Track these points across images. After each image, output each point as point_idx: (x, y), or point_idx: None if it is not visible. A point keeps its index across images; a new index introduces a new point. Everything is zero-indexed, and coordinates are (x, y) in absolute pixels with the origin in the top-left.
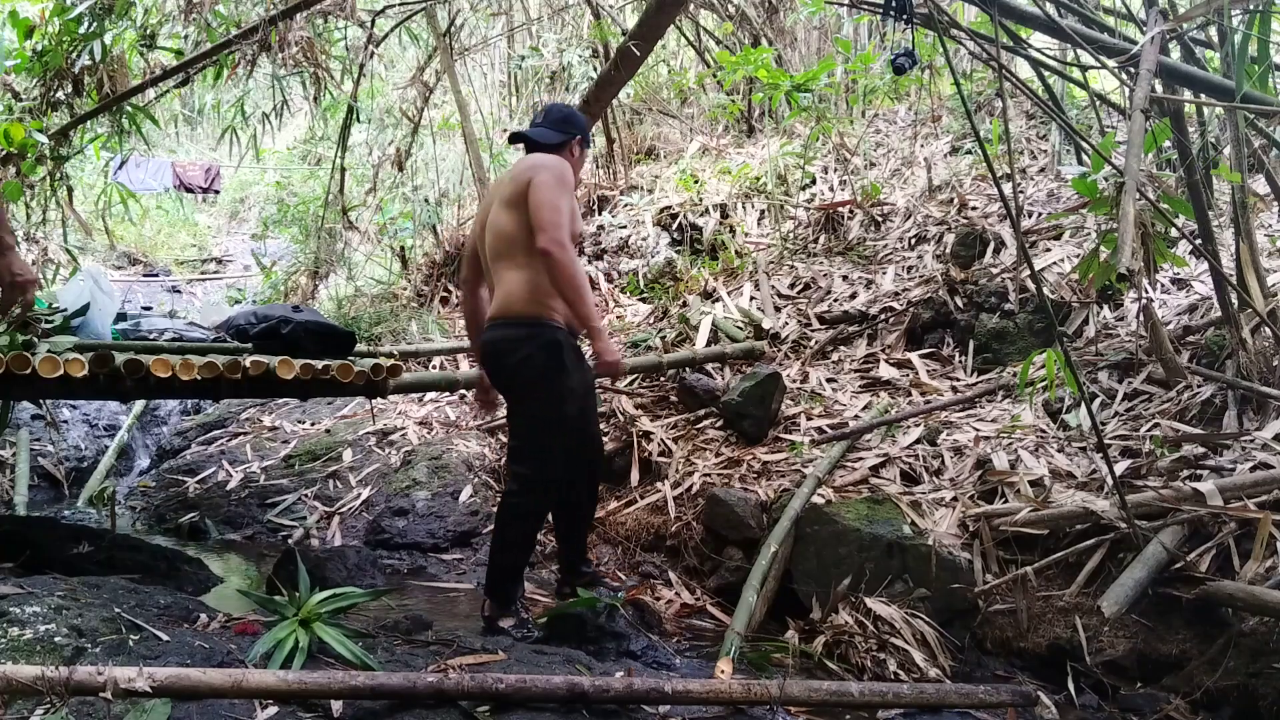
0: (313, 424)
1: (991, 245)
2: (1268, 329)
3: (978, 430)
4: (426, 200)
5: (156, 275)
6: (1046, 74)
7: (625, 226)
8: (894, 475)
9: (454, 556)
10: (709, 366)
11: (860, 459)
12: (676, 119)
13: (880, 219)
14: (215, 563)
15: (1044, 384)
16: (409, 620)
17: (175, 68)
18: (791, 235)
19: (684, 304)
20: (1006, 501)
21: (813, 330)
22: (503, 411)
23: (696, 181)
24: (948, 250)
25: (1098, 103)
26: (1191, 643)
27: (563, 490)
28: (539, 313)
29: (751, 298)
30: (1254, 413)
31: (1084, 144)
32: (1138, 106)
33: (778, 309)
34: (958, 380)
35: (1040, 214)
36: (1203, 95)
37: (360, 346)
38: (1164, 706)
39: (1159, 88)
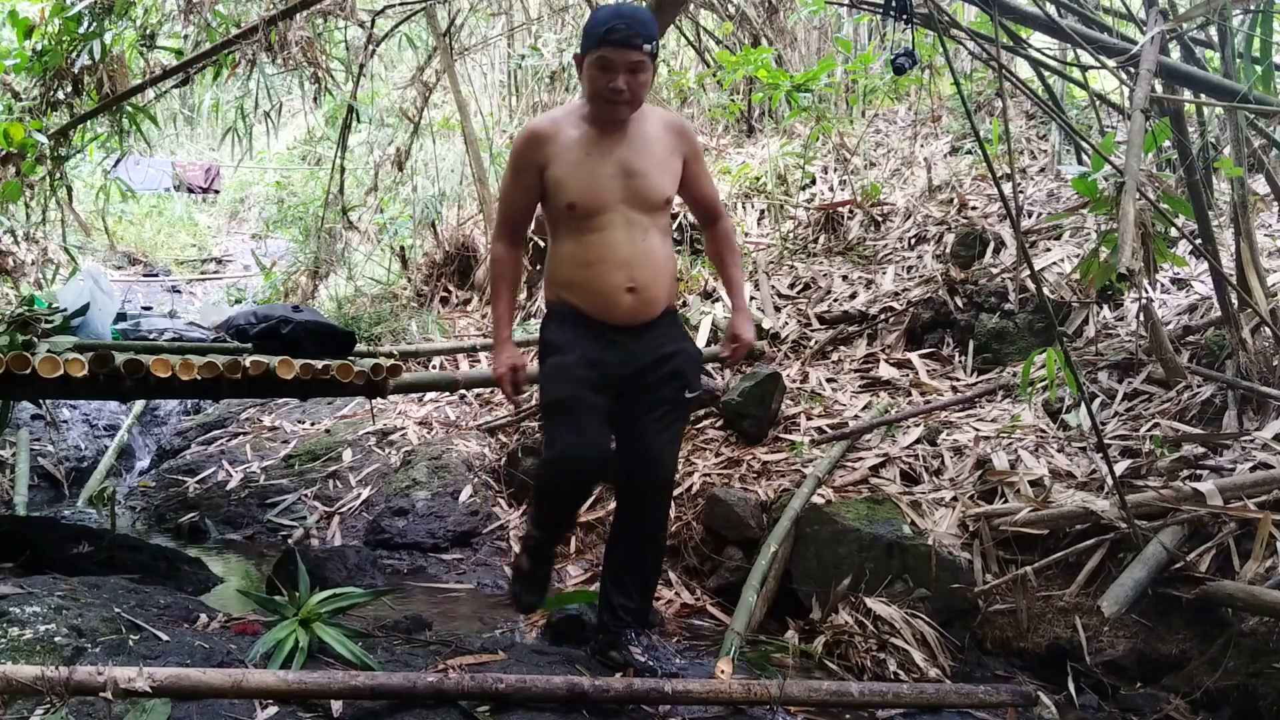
0: (313, 424)
1: (991, 245)
2: (1268, 329)
3: (978, 430)
4: (426, 203)
5: (156, 275)
6: (1046, 74)
7: None
8: (894, 475)
9: (454, 556)
10: (709, 366)
11: (860, 459)
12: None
13: (880, 219)
14: (215, 563)
15: (1044, 384)
16: (409, 620)
17: (175, 68)
18: (791, 235)
19: (684, 304)
20: (1006, 501)
21: (813, 330)
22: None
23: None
24: (948, 250)
25: (1098, 103)
26: (1191, 643)
27: (574, 480)
28: (546, 295)
29: (751, 298)
30: (1254, 413)
31: (1084, 144)
32: (1138, 106)
33: (778, 309)
34: (958, 380)
35: (1040, 214)
36: (1203, 95)
37: (360, 346)
38: (1164, 706)
39: (1159, 88)
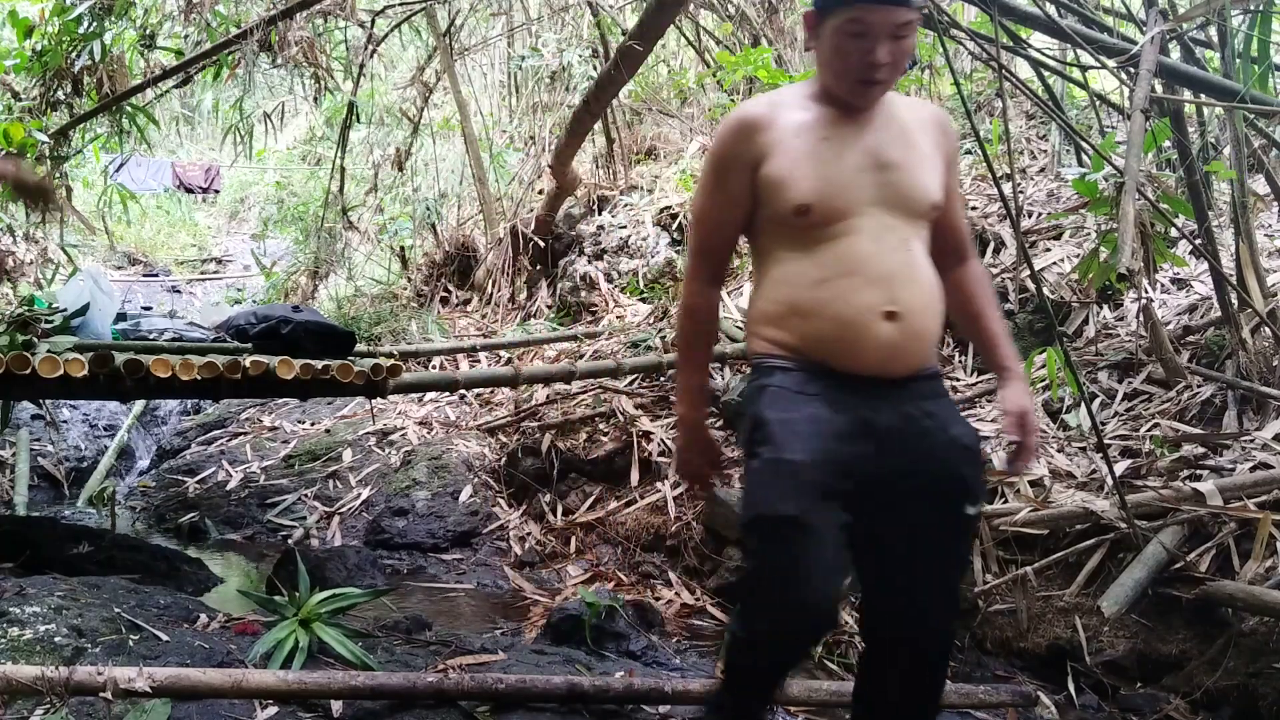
0: (313, 424)
1: (991, 245)
2: (1268, 329)
3: (978, 430)
4: (426, 203)
5: (156, 275)
6: (1046, 74)
7: (625, 226)
8: None
9: (454, 556)
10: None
11: None
12: (676, 119)
13: None
14: (215, 563)
15: (1044, 384)
16: (409, 620)
17: (175, 68)
18: None
19: None
20: (1006, 501)
21: None
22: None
23: (696, 181)
24: None
25: (1098, 103)
26: (1191, 643)
27: (793, 638)
28: (750, 345)
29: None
30: (1254, 413)
31: (1084, 144)
32: (1138, 106)
33: None
34: (958, 380)
35: (1040, 214)
36: (1203, 95)
37: (360, 346)
38: (1164, 706)
39: (1159, 88)
